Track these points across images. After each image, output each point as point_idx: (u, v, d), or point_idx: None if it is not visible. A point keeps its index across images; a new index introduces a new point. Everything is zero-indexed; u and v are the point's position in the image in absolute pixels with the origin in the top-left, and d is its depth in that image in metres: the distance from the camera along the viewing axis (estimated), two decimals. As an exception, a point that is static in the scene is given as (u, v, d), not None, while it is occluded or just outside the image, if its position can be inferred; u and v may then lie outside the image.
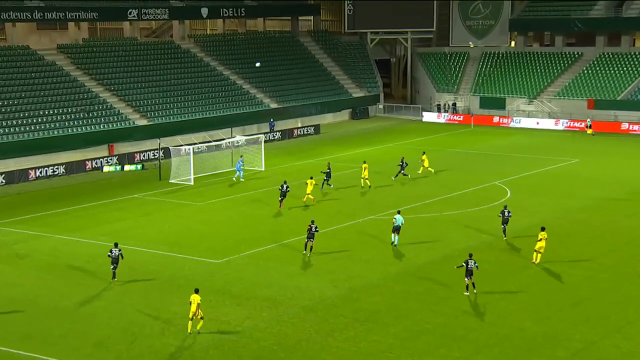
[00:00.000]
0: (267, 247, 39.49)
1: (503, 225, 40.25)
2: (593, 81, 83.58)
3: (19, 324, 30.15)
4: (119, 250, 34.39)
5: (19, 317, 30.76)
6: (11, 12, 69.41)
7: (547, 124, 79.95)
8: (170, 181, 55.43)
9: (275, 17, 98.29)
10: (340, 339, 28.49)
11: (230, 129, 69.94)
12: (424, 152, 57.62)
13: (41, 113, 63.80)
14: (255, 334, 28.94)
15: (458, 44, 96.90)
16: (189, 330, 28.77)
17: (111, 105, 68.97)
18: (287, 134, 75.97)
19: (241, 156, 57.00)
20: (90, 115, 66.22)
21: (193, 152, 55.93)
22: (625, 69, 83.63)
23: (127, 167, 61.41)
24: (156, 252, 38.82)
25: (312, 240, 37.65)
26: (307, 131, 78.02)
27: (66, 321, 30.31)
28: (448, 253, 38.11)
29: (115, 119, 67.27)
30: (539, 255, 36.45)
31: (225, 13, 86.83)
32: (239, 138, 63.04)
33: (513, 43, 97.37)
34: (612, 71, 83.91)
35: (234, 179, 55.35)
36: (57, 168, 58.67)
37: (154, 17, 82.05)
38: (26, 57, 69.79)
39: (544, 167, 59.43)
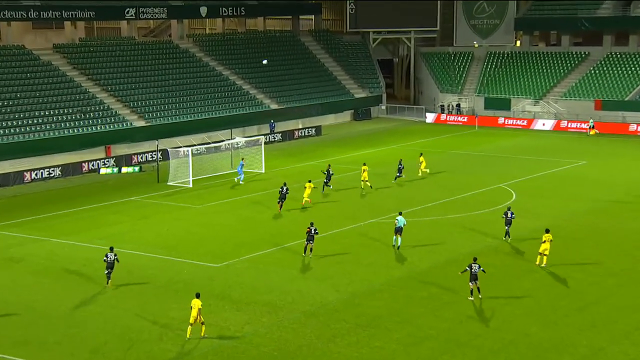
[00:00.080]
0: (267, 251, 39.48)
1: (506, 226, 40.31)
2: (600, 81, 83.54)
3: (14, 329, 30.13)
4: (115, 255, 34.40)
5: (14, 323, 30.74)
6: (6, 11, 69.42)
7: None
8: (168, 183, 55.43)
9: (276, 16, 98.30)
10: (342, 344, 28.47)
11: (229, 130, 69.96)
12: (422, 154, 57.67)
13: (37, 114, 63.82)
14: (255, 339, 28.92)
15: (462, 44, 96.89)
16: (187, 336, 28.75)
17: (108, 106, 68.99)
18: (288, 135, 75.99)
19: (242, 158, 57.01)
20: (87, 116, 66.24)
21: (192, 153, 55.94)
22: (633, 69, 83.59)
23: (124, 169, 61.43)
24: (154, 256, 38.81)
25: (311, 242, 37.80)
26: (308, 132, 78.03)
27: (62, 326, 30.30)
28: (452, 257, 38.09)
29: (113, 120, 67.29)
30: (544, 257, 36.47)
31: (225, 12, 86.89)
32: (239, 139, 63.05)
33: (518, 42, 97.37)
34: (620, 71, 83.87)
35: (236, 180, 55.47)
36: (53, 170, 58.68)
37: (152, 16, 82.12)
38: (21, 57, 69.82)
39: (550, 169, 59.41)
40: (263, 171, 59.23)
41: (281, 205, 46.94)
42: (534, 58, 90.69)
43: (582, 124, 78.11)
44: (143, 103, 71.41)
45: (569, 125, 79.32)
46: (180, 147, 58.37)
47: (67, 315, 31.40)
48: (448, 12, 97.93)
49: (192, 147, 57.08)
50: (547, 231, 36.65)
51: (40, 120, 63.22)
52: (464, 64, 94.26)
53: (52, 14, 72.54)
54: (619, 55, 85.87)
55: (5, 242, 41.65)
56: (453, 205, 48.50)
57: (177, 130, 68.71)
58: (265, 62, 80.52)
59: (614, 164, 61.87)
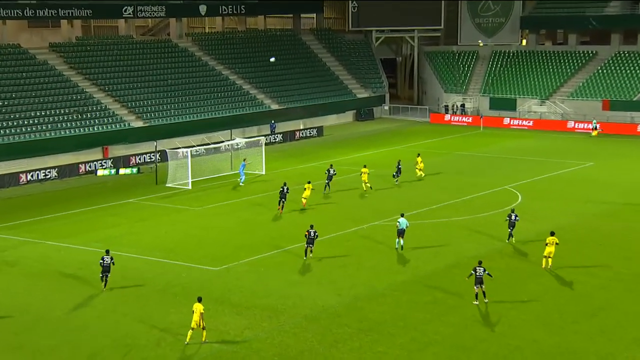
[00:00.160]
0: (268, 254, 39.40)
1: (510, 228, 40.30)
2: (608, 81, 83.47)
3: (8, 333, 30.04)
4: (111, 258, 34.35)
5: (9, 327, 30.66)
6: (1, 10, 69.55)
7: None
8: (167, 185, 55.40)
9: (277, 14, 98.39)
10: (344, 350, 28.37)
11: (229, 131, 69.92)
12: (419, 154, 57.62)
13: (33, 114, 63.82)
14: (256, 344, 28.84)
15: (467, 43, 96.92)
16: (187, 340, 28.65)
17: (106, 106, 68.97)
18: (289, 136, 75.96)
19: (244, 159, 56.98)
20: (84, 116, 66.23)
21: (191, 155, 55.88)
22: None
23: (122, 171, 61.38)
24: (152, 259, 38.74)
25: (311, 245, 37.82)
26: (310, 133, 77.99)
27: (58, 331, 30.21)
28: (457, 260, 38.00)
29: (110, 121, 67.27)
30: (549, 260, 36.38)
31: (225, 10, 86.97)
32: (239, 140, 63.01)
33: (524, 41, 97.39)
34: (628, 71, 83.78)
35: (238, 180, 55.56)
36: (49, 172, 58.64)
37: (150, 14, 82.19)
38: (17, 56, 69.85)
39: (557, 171, 59.32)
40: (263, 173, 59.19)
41: (282, 206, 46.96)
42: (540, 57, 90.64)
43: (589, 125, 77.98)
44: (141, 103, 71.40)
45: (576, 126, 79.21)
46: (179, 148, 58.33)
47: (63, 320, 31.32)
48: (452, 11, 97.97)
49: (191, 148, 57.03)
50: (552, 234, 36.56)
51: (36, 121, 63.21)
52: (468, 63, 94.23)
53: (49, 12, 72.64)
54: (627, 55, 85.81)
55: (-1, 245, 41.63)
56: (458, 207, 48.42)
57: (176, 131, 68.72)
58: (272, 59, 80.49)
59: (622, 165, 61.77)
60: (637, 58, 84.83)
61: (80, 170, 60.32)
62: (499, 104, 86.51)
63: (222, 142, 63.39)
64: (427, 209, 47.86)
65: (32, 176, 57.55)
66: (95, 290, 34.37)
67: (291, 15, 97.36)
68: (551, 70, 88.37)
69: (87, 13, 75.86)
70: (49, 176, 58.37)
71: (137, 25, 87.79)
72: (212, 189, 54.62)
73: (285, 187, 47.37)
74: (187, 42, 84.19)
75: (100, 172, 60.76)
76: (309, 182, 48.72)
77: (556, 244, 36.24)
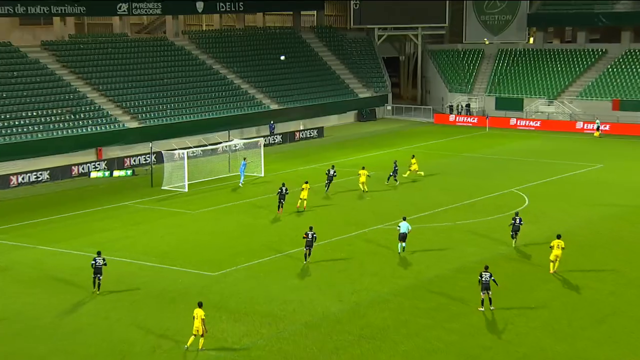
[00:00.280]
0: (267, 259, 39.44)
1: (513, 232, 40.42)
2: (618, 80, 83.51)
3: (0, 340, 30.18)
4: (103, 260, 34.45)
5: (1, 333, 30.68)
6: (-8, 7, 69.66)
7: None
8: (162, 188, 55.43)
9: (276, 11, 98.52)
10: (345, 357, 28.40)
11: (227, 131, 69.97)
12: (414, 156, 57.82)
13: (24, 115, 63.87)
14: (254, 352, 28.86)
15: (472, 41, 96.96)
16: (187, 345, 28.65)
17: (99, 106, 69.05)
18: (289, 137, 76.02)
19: (244, 158, 57.07)
20: (77, 117, 66.27)
21: (187, 156, 55.93)
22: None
23: (116, 173, 61.44)
24: (147, 264, 38.78)
25: (310, 247, 37.99)
26: (310, 134, 78.06)
27: (50, 338, 30.24)
28: (462, 265, 38.03)
29: (104, 121, 67.34)
30: (556, 264, 36.45)
31: (222, 7, 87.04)
32: (237, 142, 63.06)
33: (531, 39, 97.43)
34: (639, 69, 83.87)
35: (239, 181, 55.79)
36: (41, 174, 58.70)
37: (146, 11, 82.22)
38: (8, 54, 69.90)
39: (565, 173, 59.36)
40: (262, 175, 59.24)
41: (281, 206, 47.10)
42: (548, 56, 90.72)
43: (592, 125, 77.94)
44: (136, 103, 71.47)
45: (585, 127, 79.23)
46: (175, 149, 58.40)
47: (56, 326, 31.35)
48: (457, 8, 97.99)
49: (187, 150, 57.07)
50: (559, 237, 36.62)
51: (27, 122, 63.26)
52: (474, 62, 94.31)
53: (40, 9, 72.65)
54: (638, 53, 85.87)
55: (-10, 250, 41.67)
56: (462, 211, 48.46)
57: (172, 132, 68.77)
58: (283, 57, 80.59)
59: (633, 167, 61.78)
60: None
61: (73, 173, 60.36)
62: (505, 104, 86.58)
63: (220, 143, 63.46)
64: (431, 212, 47.90)
65: (23, 178, 57.59)
66: (88, 296, 34.41)
67: (291, 13, 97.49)
68: (559, 69, 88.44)
69: (80, 10, 75.89)
70: (40, 178, 58.43)
71: (132, 23, 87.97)
72: (209, 192, 54.68)
73: (284, 189, 47.49)
74: (184, 40, 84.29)
75: (93, 175, 60.81)
76: (306, 182, 48.87)
77: (562, 248, 36.27)
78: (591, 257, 39.34)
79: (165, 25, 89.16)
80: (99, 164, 62.05)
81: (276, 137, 74.71)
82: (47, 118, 64.44)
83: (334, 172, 53.28)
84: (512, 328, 30.90)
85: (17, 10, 71.51)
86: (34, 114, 64.34)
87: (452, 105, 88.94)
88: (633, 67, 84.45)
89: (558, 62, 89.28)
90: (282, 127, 77.81)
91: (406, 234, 39.23)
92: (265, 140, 67.09)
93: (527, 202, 50.25)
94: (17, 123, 62.72)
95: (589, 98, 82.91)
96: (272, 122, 76.45)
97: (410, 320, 31.68)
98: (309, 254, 38.24)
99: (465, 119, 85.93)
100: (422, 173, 56.92)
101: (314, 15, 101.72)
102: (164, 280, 36.55)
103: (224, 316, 32.00)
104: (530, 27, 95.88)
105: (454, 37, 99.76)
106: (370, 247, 41.18)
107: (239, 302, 33.69)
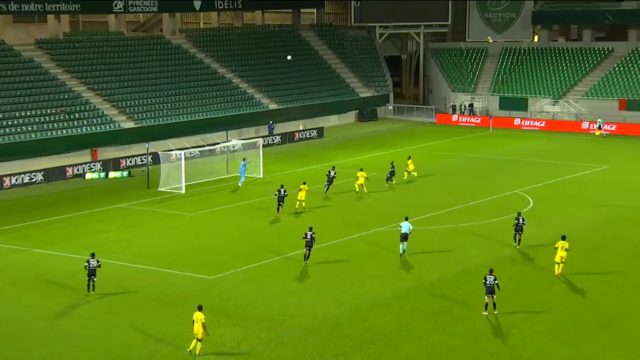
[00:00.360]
0: (265, 262, 39.45)
1: (516, 233, 40.48)
2: (625, 79, 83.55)
3: (-7, 345, 30.17)
4: (97, 261, 34.52)
5: (-7, 338, 30.80)
6: (-15, 4, 69.69)
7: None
8: (159, 189, 55.45)
9: (275, 9, 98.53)
10: (346, 362, 28.46)
11: (225, 132, 70.01)
12: (410, 157, 57.92)
13: (17, 115, 63.91)
14: (253, 357, 28.88)
15: (475, 39, 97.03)
16: (190, 348, 28.69)
17: (95, 105, 69.09)
18: (288, 137, 76.06)
19: (244, 159, 57.09)
20: (72, 117, 66.31)
21: (184, 157, 55.94)
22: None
23: (111, 174, 61.46)
24: (143, 267, 38.80)
25: (309, 248, 38.03)
26: (310, 134, 78.10)
27: (45, 343, 30.25)
28: (464, 268, 38.05)
29: (99, 121, 67.38)
30: (561, 265, 36.49)
31: (220, 5, 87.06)
32: (235, 142, 63.08)
33: (536, 38, 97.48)
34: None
35: (240, 181, 55.95)
36: (35, 175, 58.72)
37: (142, 9, 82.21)
38: (1, 53, 69.92)
39: (570, 174, 59.39)
40: (261, 176, 59.27)
41: (280, 208, 47.18)
42: (552, 54, 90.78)
43: (606, 125, 77.98)
44: (132, 103, 71.50)
45: (591, 127, 79.27)
46: (172, 150, 58.42)
47: (51, 331, 31.37)
48: (460, 5, 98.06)
49: (184, 151, 57.07)
50: (563, 238, 36.68)
51: (21, 122, 63.29)
52: (477, 60, 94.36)
53: (34, 6, 72.58)
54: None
55: (-17, 252, 41.69)
56: (466, 212, 48.48)
57: (169, 132, 68.75)
58: (289, 57, 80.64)
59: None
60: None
61: (68, 174, 60.38)
62: (509, 104, 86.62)
63: (218, 144, 63.49)
64: (433, 214, 47.93)
65: (17, 180, 57.61)
66: (84, 299, 34.44)
67: (290, 11, 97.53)
68: (564, 68, 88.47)
69: (75, 7, 75.83)
70: (34, 180, 58.45)
71: (128, 21, 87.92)
72: (207, 193, 54.71)
73: (282, 190, 47.57)
74: (181, 38, 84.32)
75: (88, 176, 60.84)
76: (304, 183, 48.95)
77: (566, 249, 36.30)
78: (597, 260, 39.37)
79: (162, 23, 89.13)
80: (94, 165, 62.08)
81: (275, 138, 74.75)
82: (41, 118, 64.47)
83: (335, 173, 53.36)
84: (517, 332, 30.92)
85: (11, 8, 71.47)
86: (28, 113, 64.37)
87: (454, 105, 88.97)
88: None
89: (563, 61, 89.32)
90: (282, 127, 77.84)
91: (408, 234, 39.28)
92: (264, 141, 67.10)
93: (531, 204, 50.27)
94: (10, 123, 62.73)
95: (595, 98, 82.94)
96: (271, 122, 76.48)
97: (412, 324, 31.70)
98: (309, 255, 38.31)
99: (468, 119, 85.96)
100: (416, 174, 56.96)
101: (313, 13, 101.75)
102: (161, 283, 36.57)
103: (222, 320, 32.01)
104: (535, 25, 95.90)
105: (456, 36, 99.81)
106: (372, 249, 41.20)
107: (237, 305, 33.72)
